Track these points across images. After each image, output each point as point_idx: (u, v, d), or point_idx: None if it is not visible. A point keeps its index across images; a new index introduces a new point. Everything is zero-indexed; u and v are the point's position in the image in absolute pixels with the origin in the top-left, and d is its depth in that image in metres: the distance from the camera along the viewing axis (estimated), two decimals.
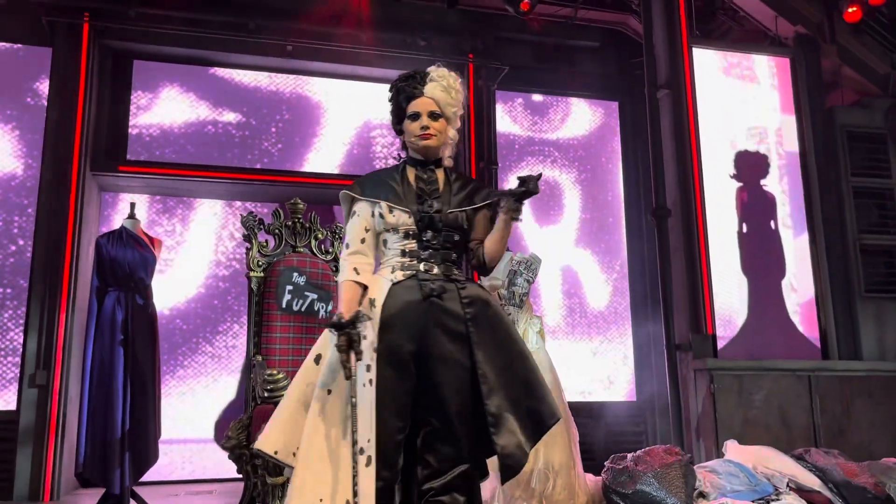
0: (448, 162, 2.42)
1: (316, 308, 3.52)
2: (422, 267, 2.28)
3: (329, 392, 2.16)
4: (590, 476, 4.02)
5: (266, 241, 3.56)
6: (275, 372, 2.84)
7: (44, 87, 5.42)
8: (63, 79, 5.34)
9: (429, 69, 2.40)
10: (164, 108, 5.79)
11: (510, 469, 2.24)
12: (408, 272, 2.28)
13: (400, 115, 2.40)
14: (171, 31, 5.59)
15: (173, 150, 5.74)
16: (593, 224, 6.53)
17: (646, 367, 6.28)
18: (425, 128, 2.34)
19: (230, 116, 5.91)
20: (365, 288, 2.26)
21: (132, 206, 4.12)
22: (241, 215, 3.47)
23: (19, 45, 5.48)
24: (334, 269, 3.65)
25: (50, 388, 4.88)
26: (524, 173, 2.21)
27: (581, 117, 6.70)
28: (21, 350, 5.01)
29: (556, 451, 3.66)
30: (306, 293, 3.50)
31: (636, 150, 6.56)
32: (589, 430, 5.58)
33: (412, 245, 2.30)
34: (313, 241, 3.69)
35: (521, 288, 3.98)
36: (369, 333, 2.16)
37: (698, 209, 5.45)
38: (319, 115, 6.12)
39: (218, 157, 5.79)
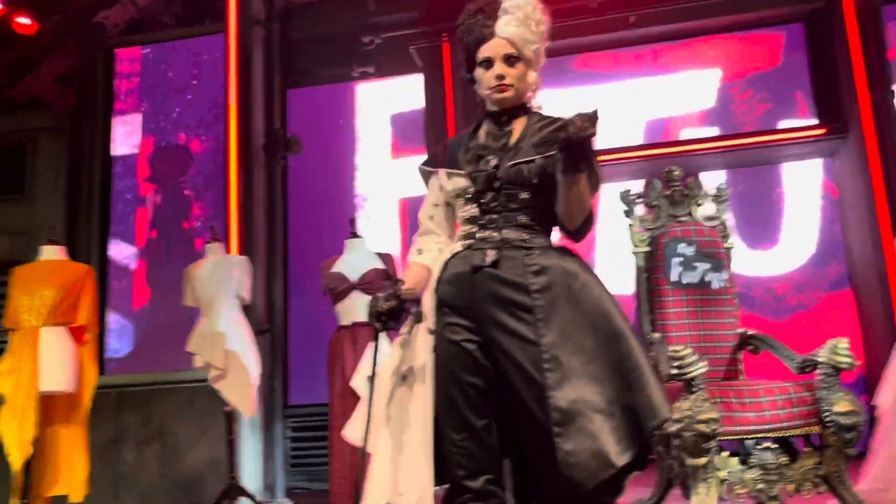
0: (535, 106, 2.02)
1: (708, 279, 3.30)
2: (479, 234, 1.93)
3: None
4: None
5: (646, 216, 3.45)
6: (680, 348, 2.69)
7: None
8: (433, 99, 5.86)
9: None
10: None
11: (576, 484, 1.74)
12: (467, 242, 1.95)
13: (470, 62, 2.00)
14: None
15: None
16: None
17: None
18: (500, 77, 1.93)
19: (587, 96, 5.86)
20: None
21: None
22: (619, 193, 3.41)
23: (396, 77, 6.17)
24: (722, 234, 3.40)
25: None
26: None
27: None
28: None
29: None
30: (696, 264, 3.29)
31: None
32: None
33: (473, 211, 1.96)
34: (695, 209, 3.47)
35: None
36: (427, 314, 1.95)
37: None
38: (672, 79, 5.83)
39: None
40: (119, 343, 5.82)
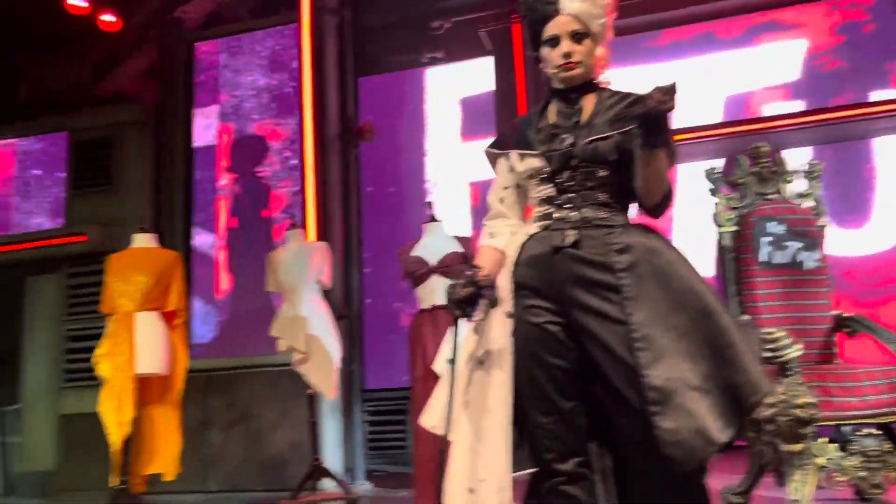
0: (603, 82, 1.96)
1: (800, 259, 3.17)
2: (556, 214, 1.89)
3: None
4: None
5: (732, 194, 3.34)
6: (773, 330, 2.61)
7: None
8: (503, 82, 5.78)
9: None
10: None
11: (678, 462, 1.69)
12: (544, 222, 1.92)
13: (536, 41, 1.96)
14: None
15: None
16: None
17: None
18: (567, 55, 1.89)
19: (663, 73, 5.72)
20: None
21: None
22: (704, 171, 3.31)
23: (465, 61, 6.13)
24: (815, 212, 3.27)
25: None
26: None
27: None
28: None
29: None
30: (786, 243, 3.17)
31: None
32: None
33: (549, 191, 1.92)
34: (783, 186, 3.34)
35: None
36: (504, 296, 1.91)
37: None
38: (753, 52, 5.60)
39: None
40: (203, 329, 6.02)
